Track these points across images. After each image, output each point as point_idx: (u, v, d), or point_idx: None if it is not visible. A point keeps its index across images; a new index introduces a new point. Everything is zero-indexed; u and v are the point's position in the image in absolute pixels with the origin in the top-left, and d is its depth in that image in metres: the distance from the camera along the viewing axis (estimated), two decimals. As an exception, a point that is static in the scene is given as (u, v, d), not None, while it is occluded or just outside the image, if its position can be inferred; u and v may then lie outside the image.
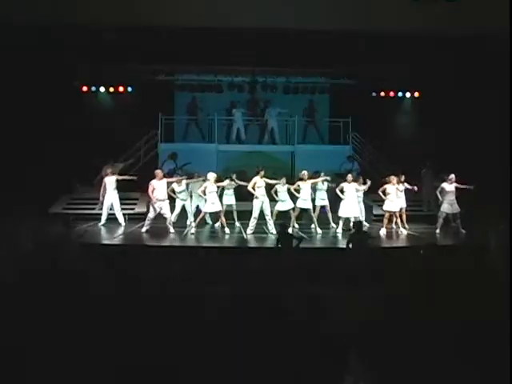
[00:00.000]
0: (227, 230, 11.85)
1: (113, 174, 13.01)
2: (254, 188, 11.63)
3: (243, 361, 3.32)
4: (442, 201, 12.15)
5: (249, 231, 11.63)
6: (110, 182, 12.83)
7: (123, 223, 12.95)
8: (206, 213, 12.06)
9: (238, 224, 12.30)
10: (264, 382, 3.24)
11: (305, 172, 12.20)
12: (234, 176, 12.50)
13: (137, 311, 3.83)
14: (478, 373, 3.50)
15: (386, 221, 12.28)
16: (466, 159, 13.65)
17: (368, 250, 8.67)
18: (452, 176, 12.08)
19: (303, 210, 12.21)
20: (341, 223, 12.05)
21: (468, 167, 12.79)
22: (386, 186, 12.28)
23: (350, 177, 12.23)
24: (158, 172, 11.97)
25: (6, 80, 13.40)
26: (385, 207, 12.33)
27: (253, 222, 11.70)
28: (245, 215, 12.48)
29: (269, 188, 11.92)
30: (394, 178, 12.31)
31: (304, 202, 11.98)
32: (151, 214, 11.80)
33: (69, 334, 3.63)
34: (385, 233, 12.03)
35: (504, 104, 13.33)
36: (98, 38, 13.65)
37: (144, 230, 11.80)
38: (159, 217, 11.98)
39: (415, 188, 12.65)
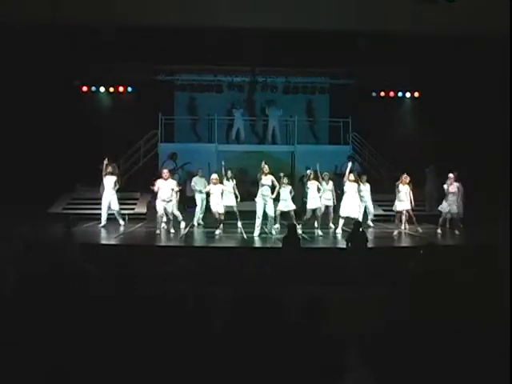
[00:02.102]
0: (217, 232, 11.44)
1: (112, 174, 12.57)
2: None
3: (243, 362, 3.32)
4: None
5: (256, 232, 11.36)
6: (109, 181, 12.48)
7: (122, 223, 12.75)
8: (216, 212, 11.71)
9: (239, 224, 12.18)
10: (264, 382, 3.24)
11: (310, 171, 12.01)
12: (229, 174, 12.33)
13: (137, 312, 3.83)
14: (478, 373, 3.51)
15: (398, 221, 12.09)
16: (466, 159, 13.65)
17: (366, 249, 8.66)
18: (450, 176, 11.98)
19: (312, 210, 11.88)
20: (341, 223, 11.90)
21: (468, 167, 12.79)
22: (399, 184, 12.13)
23: (352, 176, 12.07)
24: (165, 172, 11.73)
25: (6, 80, 13.40)
26: (398, 207, 12.05)
27: (258, 222, 11.39)
28: (244, 215, 12.46)
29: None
30: (406, 177, 12.07)
31: (314, 201, 11.82)
32: (160, 213, 11.51)
33: (68, 335, 3.63)
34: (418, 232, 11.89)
35: (504, 104, 13.33)
36: (97, 38, 13.66)
37: (158, 231, 11.52)
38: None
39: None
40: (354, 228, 8.90)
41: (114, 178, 12.54)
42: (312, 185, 11.83)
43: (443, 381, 3.52)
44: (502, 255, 6.19)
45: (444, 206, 12.01)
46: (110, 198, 12.45)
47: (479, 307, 4.26)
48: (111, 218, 13.22)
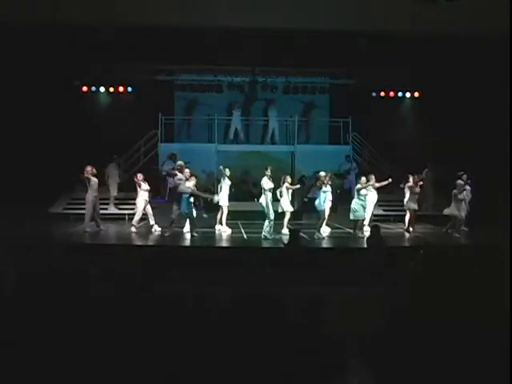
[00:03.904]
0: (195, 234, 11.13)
1: (95, 175, 11.92)
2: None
3: (243, 362, 3.32)
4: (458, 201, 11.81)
5: (267, 234, 10.97)
6: (93, 183, 11.83)
7: (102, 227, 12.04)
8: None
9: (217, 227, 12.12)
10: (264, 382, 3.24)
11: (322, 173, 11.71)
12: (226, 171, 12.22)
13: (137, 312, 3.83)
14: (478, 373, 3.51)
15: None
16: (466, 159, 13.64)
17: (384, 252, 8.53)
18: (461, 183, 11.77)
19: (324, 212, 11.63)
20: (361, 224, 11.70)
21: (468, 167, 12.77)
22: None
23: (364, 179, 11.95)
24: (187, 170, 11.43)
25: (6, 80, 13.40)
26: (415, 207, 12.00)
27: (269, 223, 11.05)
28: (245, 215, 12.44)
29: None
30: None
31: (329, 204, 11.70)
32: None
33: (66, 335, 3.63)
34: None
35: (504, 104, 13.32)
36: (97, 38, 13.66)
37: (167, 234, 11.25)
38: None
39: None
40: (373, 231, 8.82)
41: (96, 180, 11.95)
42: (328, 188, 11.54)
43: (443, 381, 3.51)
44: (502, 255, 6.19)
45: (453, 211, 11.75)
46: (95, 200, 11.90)
47: (479, 307, 4.26)
48: (110, 217, 13.23)
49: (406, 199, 12.10)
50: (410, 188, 11.86)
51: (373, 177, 12.13)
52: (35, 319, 3.81)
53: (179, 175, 11.36)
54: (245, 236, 11.46)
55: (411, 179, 12.24)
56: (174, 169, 11.99)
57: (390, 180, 12.12)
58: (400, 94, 17.79)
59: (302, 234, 10.22)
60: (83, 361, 3.40)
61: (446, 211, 11.77)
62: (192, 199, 11.39)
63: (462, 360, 3.59)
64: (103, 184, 13.38)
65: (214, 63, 15.64)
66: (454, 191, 11.58)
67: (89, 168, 11.81)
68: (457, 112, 15.10)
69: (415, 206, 11.88)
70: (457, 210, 11.59)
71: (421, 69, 15.16)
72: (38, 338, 3.58)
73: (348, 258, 8.68)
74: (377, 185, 12.06)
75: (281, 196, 11.51)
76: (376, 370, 3.29)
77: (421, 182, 12.14)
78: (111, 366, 3.36)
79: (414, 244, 10.64)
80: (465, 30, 12.61)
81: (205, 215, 12.76)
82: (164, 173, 12.44)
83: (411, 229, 11.76)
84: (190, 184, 11.22)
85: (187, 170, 11.44)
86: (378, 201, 12.81)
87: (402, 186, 12.33)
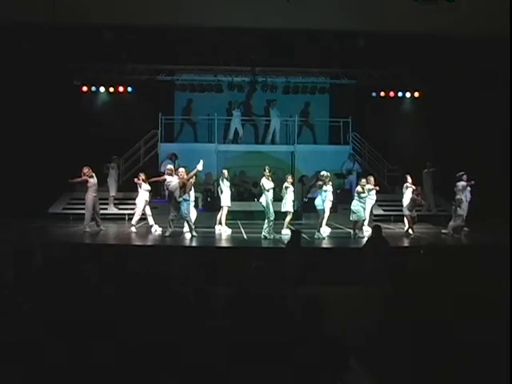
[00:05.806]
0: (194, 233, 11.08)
1: (91, 176, 11.76)
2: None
3: (242, 362, 3.32)
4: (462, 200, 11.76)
5: (267, 234, 10.95)
6: (94, 183, 11.78)
7: (101, 227, 11.97)
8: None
9: (217, 227, 12.09)
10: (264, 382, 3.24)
11: (324, 172, 11.59)
12: (225, 173, 12.21)
13: (137, 312, 3.83)
14: (478, 372, 3.51)
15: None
16: (466, 159, 13.65)
17: (385, 253, 8.49)
18: (463, 184, 11.73)
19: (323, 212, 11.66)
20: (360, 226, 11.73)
21: (468, 167, 12.79)
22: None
23: (363, 180, 11.90)
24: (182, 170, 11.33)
25: (6, 80, 13.41)
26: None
27: (269, 223, 11.01)
28: (243, 215, 12.42)
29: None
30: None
31: (330, 203, 11.83)
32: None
33: (66, 335, 3.62)
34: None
35: (504, 104, 13.34)
36: (97, 38, 13.66)
37: (168, 234, 11.04)
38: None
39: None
40: (375, 231, 8.79)
41: (95, 181, 11.84)
42: (330, 187, 11.59)
43: (443, 381, 3.52)
44: (502, 255, 6.19)
45: (462, 213, 11.75)
46: (95, 200, 11.81)
47: (479, 307, 4.26)
48: (108, 218, 13.21)
49: (404, 203, 12.05)
50: (413, 199, 11.76)
51: (372, 178, 12.11)
52: (34, 319, 3.81)
53: (168, 178, 11.23)
54: (245, 236, 11.47)
55: (409, 179, 12.24)
56: (162, 174, 11.93)
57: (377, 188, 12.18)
58: (400, 93, 17.74)
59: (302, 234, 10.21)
60: (83, 361, 3.40)
61: (460, 211, 11.66)
62: (193, 198, 11.40)
63: (462, 360, 3.59)
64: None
65: (214, 63, 15.64)
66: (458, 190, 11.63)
67: (86, 170, 11.71)
68: (457, 112, 15.12)
69: (413, 213, 11.83)
70: (463, 210, 11.64)
71: (421, 69, 15.17)
72: (37, 338, 3.58)
73: (348, 258, 8.67)
74: (377, 188, 12.11)
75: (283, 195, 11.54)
76: (376, 370, 3.29)
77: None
78: (111, 365, 3.36)
79: (414, 244, 10.63)
80: (465, 30, 12.62)
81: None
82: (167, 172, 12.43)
83: (411, 231, 11.73)
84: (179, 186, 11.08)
85: (181, 170, 11.26)
86: (377, 201, 12.81)
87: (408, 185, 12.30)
